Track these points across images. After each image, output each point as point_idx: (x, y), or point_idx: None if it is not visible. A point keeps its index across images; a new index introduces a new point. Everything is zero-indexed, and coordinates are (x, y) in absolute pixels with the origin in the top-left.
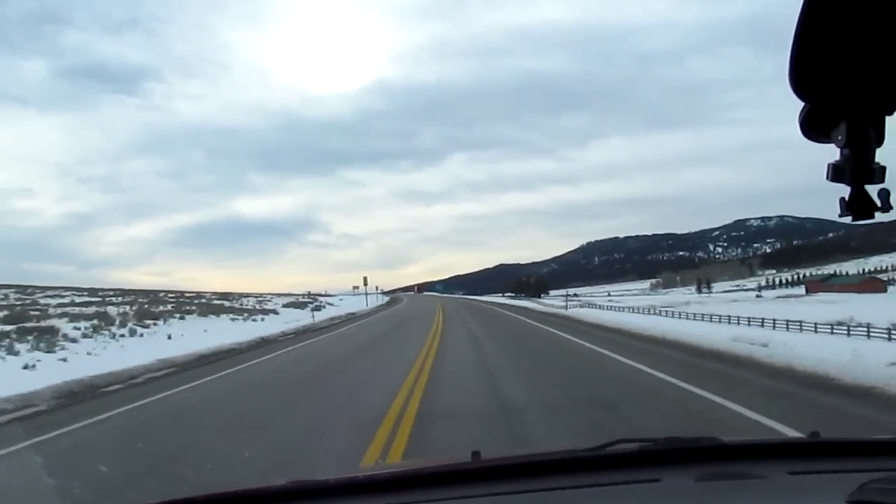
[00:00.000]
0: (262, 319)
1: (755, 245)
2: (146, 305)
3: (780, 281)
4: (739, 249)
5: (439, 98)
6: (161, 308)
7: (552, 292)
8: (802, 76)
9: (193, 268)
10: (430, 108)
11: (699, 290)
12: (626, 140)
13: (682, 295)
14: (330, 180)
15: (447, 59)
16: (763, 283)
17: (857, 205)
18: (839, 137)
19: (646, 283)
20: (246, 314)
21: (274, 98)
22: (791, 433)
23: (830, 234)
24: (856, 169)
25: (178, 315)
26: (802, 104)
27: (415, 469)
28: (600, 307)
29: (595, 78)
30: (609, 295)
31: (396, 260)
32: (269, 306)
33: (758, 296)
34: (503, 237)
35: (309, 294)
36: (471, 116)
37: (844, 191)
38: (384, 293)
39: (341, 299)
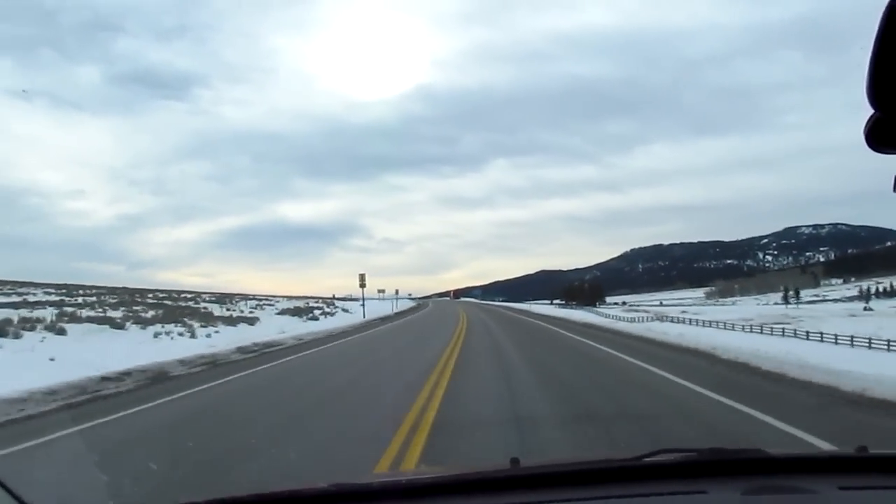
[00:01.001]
0: (209, 336)
1: (807, 253)
2: (93, 307)
3: (874, 290)
4: (790, 258)
5: (482, 103)
6: (102, 313)
7: (607, 299)
8: (880, 85)
9: (237, 270)
10: (473, 113)
11: (786, 301)
12: (670, 146)
13: (760, 306)
14: (372, 185)
15: (490, 64)
16: (851, 294)
17: None
18: None
19: (697, 292)
20: (203, 324)
21: (318, 104)
22: None
23: (889, 243)
24: None
25: (57, 327)
26: (868, 115)
27: (455, 475)
28: (674, 320)
29: (639, 83)
30: (661, 304)
31: (437, 265)
32: (256, 313)
33: (867, 308)
34: (545, 243)
35: (333, 297)
36: (514, 122)
37: None
38: (412, 298)
39: (361, 304)
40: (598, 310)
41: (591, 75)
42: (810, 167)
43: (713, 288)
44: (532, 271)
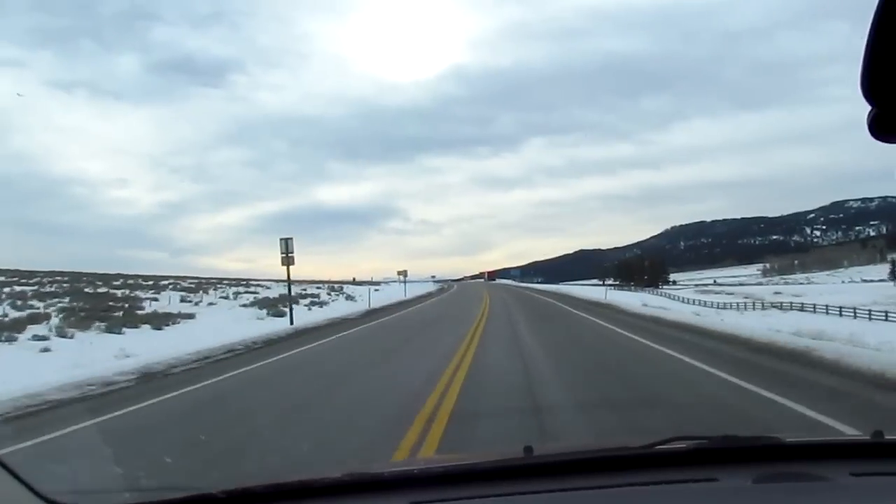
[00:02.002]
0: None
1: (857, 228)
2: None
3: None
4: (840, 233)
5: (517, 83)
6: None
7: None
8: (875, 82)
9: (278, 254)
10: (508, 92)
11: (894, 277)
12: (710, 121)
13: (848, 283)
14: (408, 167)
15: (524, 42)
16: None
17: None
18: None
19: (749, 269)
20: (66, 332)
21: (352, 87)
22: None
23: None
24: None
25: None
26: (870, 109)
27: (469, 464)
28: (786, 307)
29: (677, 58)
30: (715, 282)
31: (474, 246)
32: (218, 305)
33: None
34: (583, 222)
35: (353, 280)
36: (549, 100)
37: None
38: (437, 281)
39: (377, 289)
40: (669, 292)
41: (627, 51)
42: (857, 140)
43: (767, 265)
44: (571, 251)
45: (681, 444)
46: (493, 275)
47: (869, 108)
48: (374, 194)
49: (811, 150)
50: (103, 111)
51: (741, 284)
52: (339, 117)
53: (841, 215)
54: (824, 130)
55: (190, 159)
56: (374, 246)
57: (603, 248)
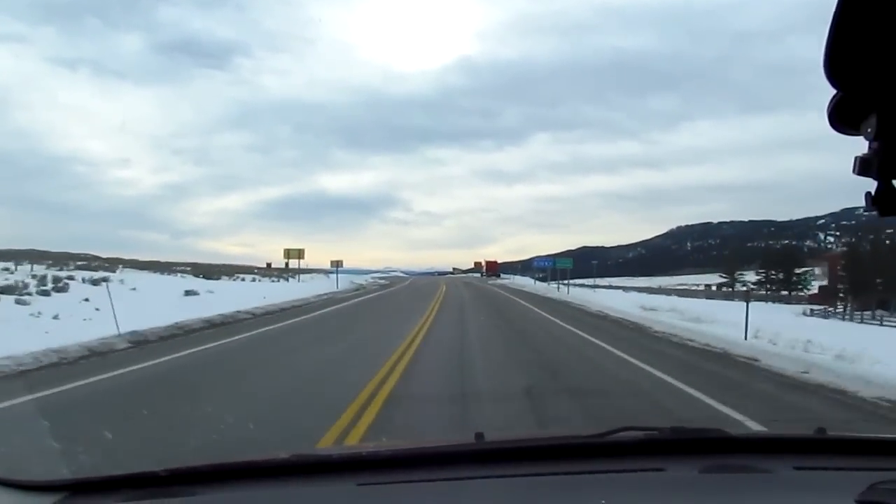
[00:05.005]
0: None
1: (871, 236)
2: None
3: None
4: (854, 239)
5: (523, 76)
6: None
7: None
8: (837, 62)
9: (278, 240)
10: (514, 86)
11: None
12: (717, 123)
13: None
14: (411, 158)
15: (532, 36)
16: None
17: (884, 200)
18: (868, 130)
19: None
20: None
21: (358, 75)
22: None
23: None
24: (884, 163)
25: None
26: (832, 96)
27: (418, 448)
28: None
29: (685, 57)
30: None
31: (476, 239)
32: None
33: None
34: (586, 220)
35: (268, 266)
36: (555, 96)
37: (872, 185)
38: (401, 273)
39: (209, 291)
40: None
41: (636, 48)
42: (866, 146)
43: (817, 269)
44: (573, 247)
45: (631, 435)
46: (494, 267)
47: (832, 92)
48: (377, 184)
49: (819, 154)
50: (107, 90)
51: None
52: (343, 104)
53: (853, 222)
54: (834, 135)
55: (192, 142)
56: (375, 236)
57: (606, 245)
